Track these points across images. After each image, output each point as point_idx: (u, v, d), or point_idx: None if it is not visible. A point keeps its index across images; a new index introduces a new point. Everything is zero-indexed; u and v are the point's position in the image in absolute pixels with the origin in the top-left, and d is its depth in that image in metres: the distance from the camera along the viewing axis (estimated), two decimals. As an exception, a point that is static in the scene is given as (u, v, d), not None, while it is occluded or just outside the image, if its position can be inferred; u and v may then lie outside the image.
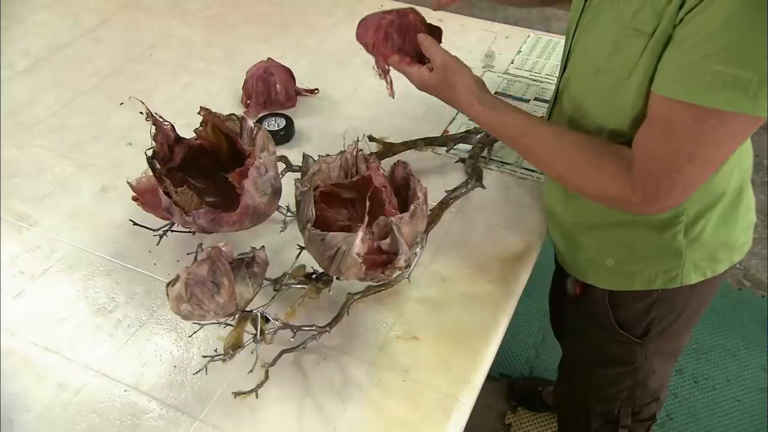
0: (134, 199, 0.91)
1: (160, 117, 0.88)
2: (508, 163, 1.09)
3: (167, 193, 0.83)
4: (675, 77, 0.62)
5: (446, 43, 1.44)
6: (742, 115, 0.61)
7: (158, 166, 0.86)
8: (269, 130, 1.01)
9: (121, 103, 1.22)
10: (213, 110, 0.89)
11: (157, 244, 0.92)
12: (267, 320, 0.79)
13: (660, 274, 0.86)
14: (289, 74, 1.22)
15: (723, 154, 0.66)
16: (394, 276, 0.79)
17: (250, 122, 0.88)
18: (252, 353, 0.78)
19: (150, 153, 0.88)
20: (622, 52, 0.69)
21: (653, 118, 0.67)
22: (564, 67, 0.83)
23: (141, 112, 0.87)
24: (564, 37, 0.84)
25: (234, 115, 0.90)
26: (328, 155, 0.86)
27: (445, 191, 0.97)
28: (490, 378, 0.83)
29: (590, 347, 1.06)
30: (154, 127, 0.88)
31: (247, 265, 0.77)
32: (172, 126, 0.89)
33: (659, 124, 0.66)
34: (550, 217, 0.96)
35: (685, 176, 0.67)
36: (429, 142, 1.09)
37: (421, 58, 0.88)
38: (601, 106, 0.76)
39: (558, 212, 0.93)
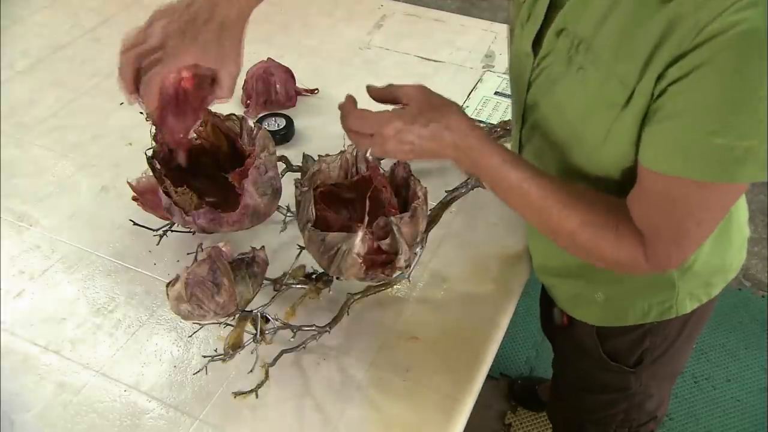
0: (134, 199, 0.91)
1: None
2: (508, 163, 1.08)
3: (167, 193, 0.83)
4: (676, 154, 0.58)
5: (446, 43, 1.44)
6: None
7: (158, 166, 0.86)
8: (269, 130, 1.01)
9: (121, 103, 1.22)
10: (213, 110, 0.89)
11: (157, 244, 0.92)
12: (267, 320, 0.79)
13: (654, 306, 0.83)
14: (289, 74, 1.22)
15: (727, 211, 0.64)
16: (394, 276, 0.79)
17: (250, 122, 0.88)
18: (252, 353, 0.78)
19: (150, 153, 0.87)
20: (592, 122, 0.65)
21: (651, 192, 0.63)
22: (522, 121, 0.77)
23: (141, 112, 0.87)
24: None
25: (234, 115, 0.90)
26: (327, 155, 0.86)
27: (445, 191, 0.97)
28: (490, 378, 0.83)
29: (580, 375, 1.03)
30: (153, 127, 0.88)
31: (247, 265, 0.77)
32: None
33: (659, 198, 0.62)
34: (533, 255, 0.92)
35: (694, 240, 0.64)
36: (429, 142, 1.09)
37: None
38: (585, 163, 0.70)
39: (541, 254, 0.90)
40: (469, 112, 1.18)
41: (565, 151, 0.71)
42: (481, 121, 1.16)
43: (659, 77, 0.57)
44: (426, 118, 0.67)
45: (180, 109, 0.74)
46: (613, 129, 0.63)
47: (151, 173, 0.86)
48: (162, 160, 0.88)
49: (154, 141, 0.88)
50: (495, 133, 1.07)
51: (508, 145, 0.78)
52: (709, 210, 0.61)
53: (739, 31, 0.51)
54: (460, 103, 1.20)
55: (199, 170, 0.92)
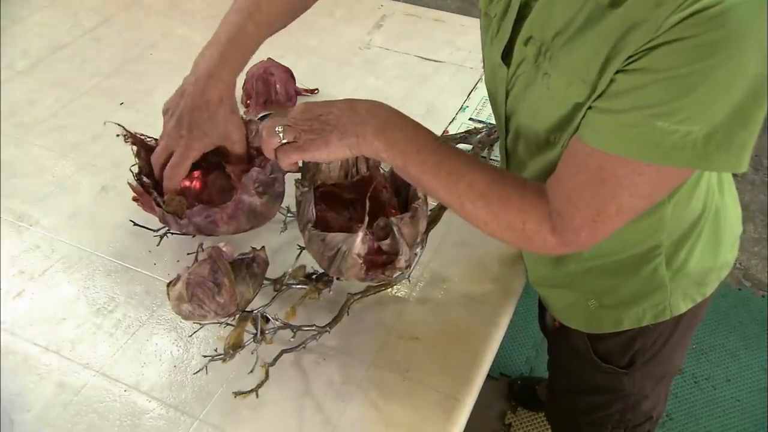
0: (134, 199, 0.91)
1: (142, 135, 0.88)
2: (508, 163, 1.09)
3: (158, 204, 0.84)
4: (616, 133, 0.58)
5: (446, 43, 1.44)
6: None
7: (146, 180, 0.86)
8: (269, 130, 1.01)
9: (121, 103, 1.22)
10: None
11: (158, 245, 0.92)
12: (267, 320, 0.79)
13: (648, 310, 0.83)
14: (289, 74, 1.22)
15: (652, 202, 0.63)
16: (395, 276, 0.79)
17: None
18: (252, 353, 0.78)
19: (135, 170, 0.88)
20: (562, 125, 0.65)
21: (582, 167, 0.61)
22: (505, 131, 0.78)
23: (118, 134, 0.88)
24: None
25: (240, 117, 0.90)
26: (328, 155, 0.86)
27: (445, 191, 0.97)
28: (490, 378, 0.83)
29: (574, 377, 1.03)
30: (134, 146, 0.88)
31: (247, 265, 0.77)
32: (156, 141, 0.90)
33: (590, 175, 0.61)
34: (527, 267, 0.92)
35: (608, 225, 0.63)
36: (429, 142, 1.09)
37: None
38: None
39: (535, 266, 0.90)
40: (469, 112, 1.19)
41: (545, 156, 0.72)
42: (480, 121, 1.16)
43: (617, 73, 0.57)
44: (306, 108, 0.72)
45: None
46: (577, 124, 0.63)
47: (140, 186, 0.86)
48: (148, 174, 0.88)
49: (137, 158, 0.89)
50: (495, 133, 1.08)
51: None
52: (634, 196, 0.60)
53: (697, 20, 0.50)
54: (460, 104, 1.20)
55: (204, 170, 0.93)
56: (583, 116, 0.62)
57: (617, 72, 0.57)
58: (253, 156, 0.89)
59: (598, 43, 0.58)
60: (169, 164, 0.82)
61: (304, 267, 0.86)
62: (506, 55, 0.71)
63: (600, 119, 0.59)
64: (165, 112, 0.84)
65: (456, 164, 0.68)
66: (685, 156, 0.55)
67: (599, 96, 0.59)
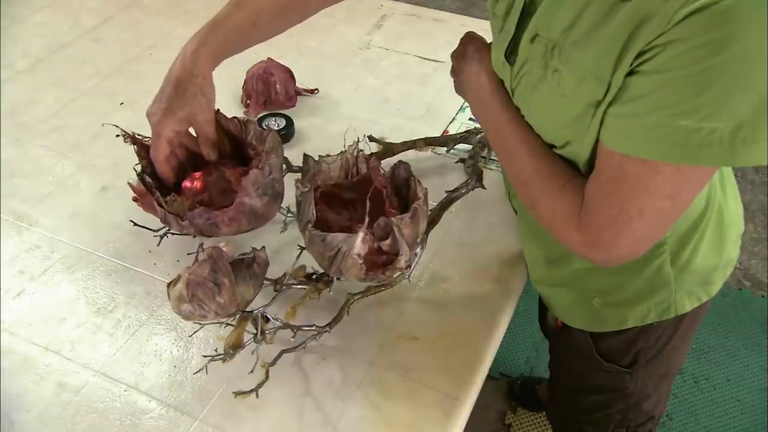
0: (134, 200, 0.91)
1: (140, 135, 0.88)
2: (508, 163, 1.08)
3: (160, 204, 0.84)
4: (639, 135, 0.57)
5: (446, 43, 1.44)
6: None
7: (149, 179, 0.86)
8: (269, 130, 1.01)
9: (121, 103, 1.22)
10: (217, 108, 0.89)
11: (158, 245, 0.92)
12: (267, 320, 0.79)
13: (652, 308, 0.82)
14: (289, 74, 1.22)
15: (680, 206, 0.62)
16: (395, 276, 0.79)
17: (258, 125, 0.89)
18: (252, 353, 0.78)
19: (139, 169, 0.88)
20: (572, 122, 0.65)
21: (605, 168, 0.62)
22: None
23: (117, 135, 0.88)
24: None
25: (236, 118, 0.90)
26: (328, 155, 0.86)
27: (445, 191, 0.97)
28: (490, 378, 0.83)
29: (576, 377, 1.03)
30: (134, 145, 0.88)
31: (247, 265, 0.77)
32: None
33: (611, 173, 0.61)
34: (529, 267, 0.92)
35: (635, 230, 0.62)
36: (429, 142, 1.10)
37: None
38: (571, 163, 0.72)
39: (537, 265, 0.89)
40: (469, 112, 1.19)
41: None
42: (481, 121, 1.16)
43: (631, 66, 0.57)
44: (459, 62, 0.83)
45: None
46: (593, 126, 0.63)
47: (142, 185, 0.86)
48: (151, 174, 0.88)
49: (139, 157, 0.89)
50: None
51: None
52: (655, 196, 0.60)
53: (706, 15, 0.50)
54: (460, 104, 1.20)
55: (200, 169, 0.92)
56: (601, 121, 0.62)
57: (631, 74, 0.57)
58: (251, 157, 0.89)
59: (611, 38, 0.57)
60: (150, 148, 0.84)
61: (304, 267, 0.86)
62: (510, 53, 0.71)
63: (621, 124, 0.59)
64: (149, 116, 0.86)
65: (515, 148, 0.73)
66: (713, 153, 0.55)
67: (615, 98, 0.59)
